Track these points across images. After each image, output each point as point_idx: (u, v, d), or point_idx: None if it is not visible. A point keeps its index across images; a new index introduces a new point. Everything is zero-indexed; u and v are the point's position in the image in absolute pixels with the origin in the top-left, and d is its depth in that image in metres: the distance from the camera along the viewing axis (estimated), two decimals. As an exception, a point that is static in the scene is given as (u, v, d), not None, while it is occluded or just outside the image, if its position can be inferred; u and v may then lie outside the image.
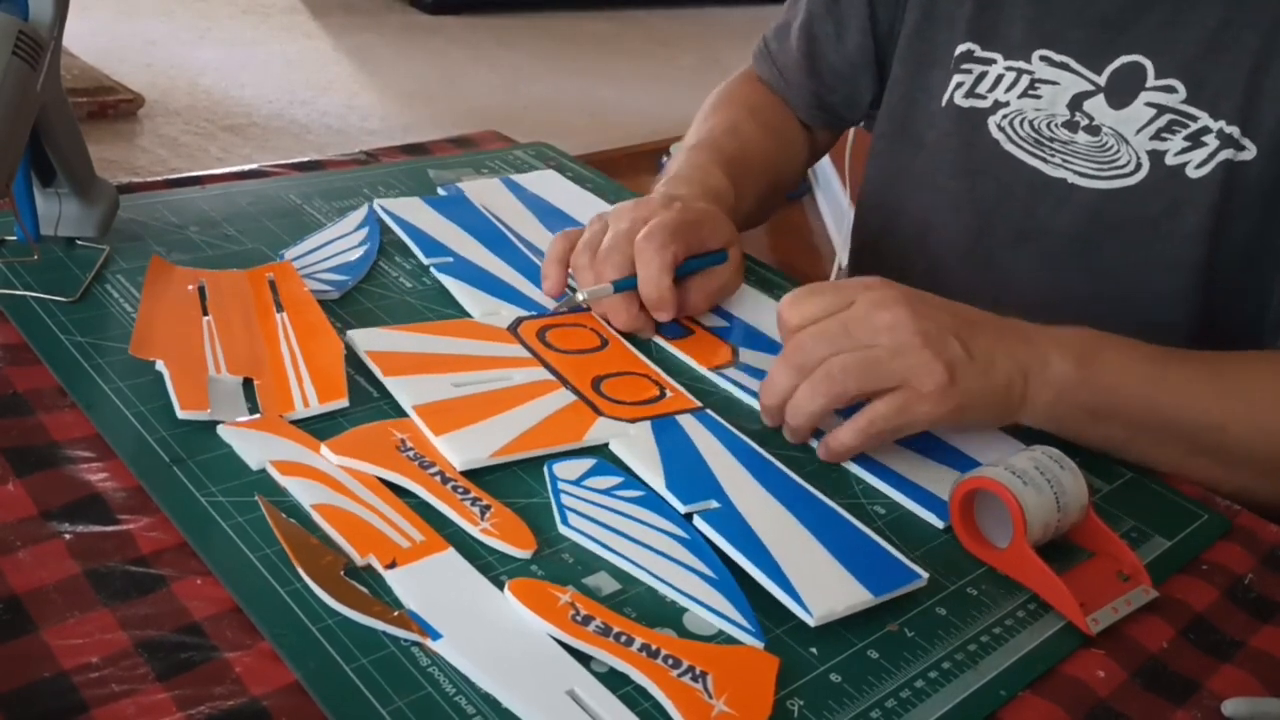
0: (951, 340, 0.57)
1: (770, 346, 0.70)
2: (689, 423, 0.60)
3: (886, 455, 0.60)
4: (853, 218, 0.95)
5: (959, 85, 0.81)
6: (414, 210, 0.79)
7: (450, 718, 0.40)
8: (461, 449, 0.54)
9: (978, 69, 0.80)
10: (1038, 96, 0.78)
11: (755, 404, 0.63)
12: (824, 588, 0.48)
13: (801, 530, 0.52)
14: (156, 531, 0.47)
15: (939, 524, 0.55)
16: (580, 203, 0.87)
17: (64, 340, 0.59)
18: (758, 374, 0.66)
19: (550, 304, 0.70)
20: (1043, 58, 0.77)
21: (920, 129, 0.84)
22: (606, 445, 0.57)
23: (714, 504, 0.53)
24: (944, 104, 0.82)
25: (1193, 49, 0.71)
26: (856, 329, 0.57)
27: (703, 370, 0.66)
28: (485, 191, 0.86)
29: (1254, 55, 0.69)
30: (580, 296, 0.67)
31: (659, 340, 0.68)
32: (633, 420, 0.59)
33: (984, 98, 0.80)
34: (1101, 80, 0.75)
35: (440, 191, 0.85)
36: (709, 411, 0.61)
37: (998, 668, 0.47)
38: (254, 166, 0.85)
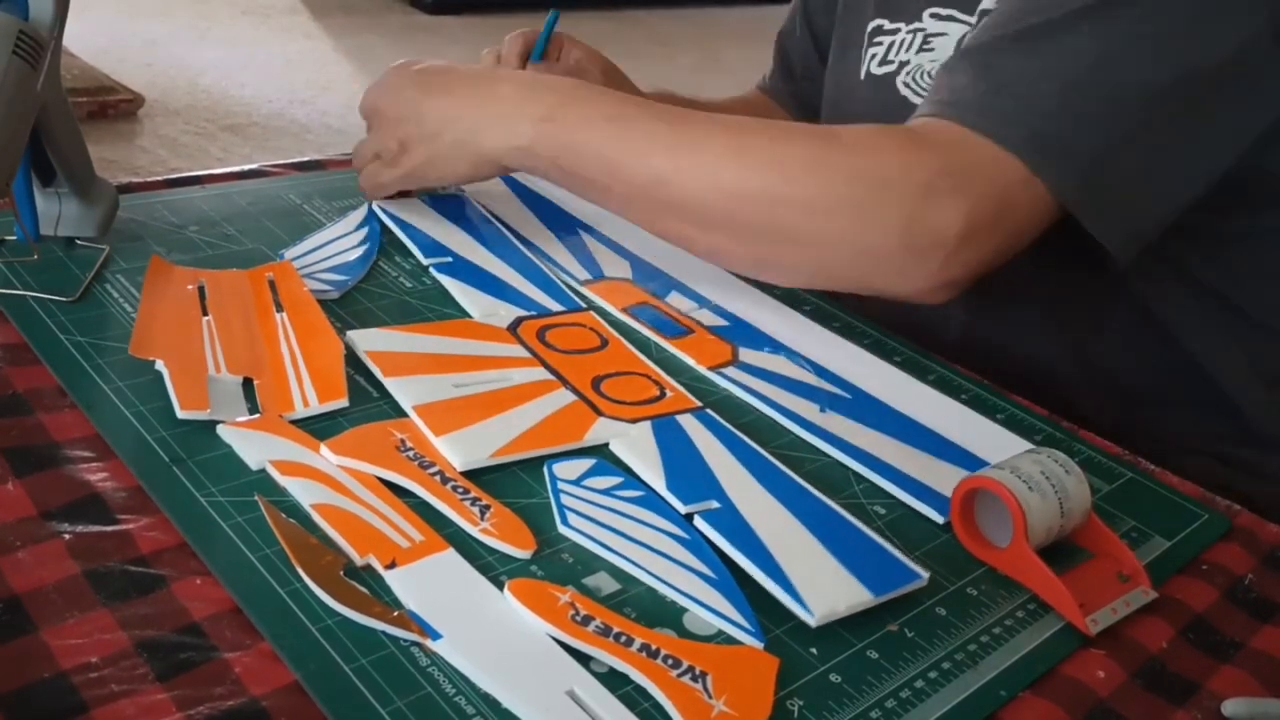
0: (408, 123, 0.74)
1: (772, 346, 0.70)
2: (689, 423, 0.60)
3: (887, 451, 0.60)
4: None
5: (873, 57, 0.88)
6: (413, 210, 0.79)
7: (450, 718, 0.40)
8: (462, 449, 0.54)
9: (887, 40, 0.87)
10: (931, 49, 0.83)
11: (756, 403, 0.63)
12: (824, 588, 0.48)
13: (802, 530, 0.52)
14: (156, 531, 0.47)
15: (939, 519, 0.55)
16: (582, 201, 0.87)
17: (64, 340, 0.59)
18: (758, 373, 0.66)
19: (554, 306, 0.70)
20: (932, 14, 0.83)
21: (846, 104, 0.92)
22: (607, 445, 0.57)
23: (714, 504, 0.53)
24: (863, 77, 0.88)
25: None
26: (365, 109, 0.78)
27: (702, 370, 0.66)
28: (486, 189, 0.86)
29: None
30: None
31: (658, 340, 0.68)
32: (633, 420, 0.59)
33: (891, 62, 0.86)
34: (974, 19, 0.80)
35: (439, 189, 0.85)
36: (709, 411, 0.61)
37: (998, 668, 0.47)
38: (254, 166, 0.85)
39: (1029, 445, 0.60)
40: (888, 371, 0.69)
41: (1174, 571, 0.54)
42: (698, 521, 0.52)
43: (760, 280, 0.75)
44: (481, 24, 3.73)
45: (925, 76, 0.83)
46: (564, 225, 0.83)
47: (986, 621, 0.49)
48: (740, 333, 0.71)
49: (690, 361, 0.67)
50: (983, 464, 0.59)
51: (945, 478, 0.57)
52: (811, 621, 0.47)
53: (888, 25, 0.87)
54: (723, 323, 0.72)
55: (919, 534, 0.54)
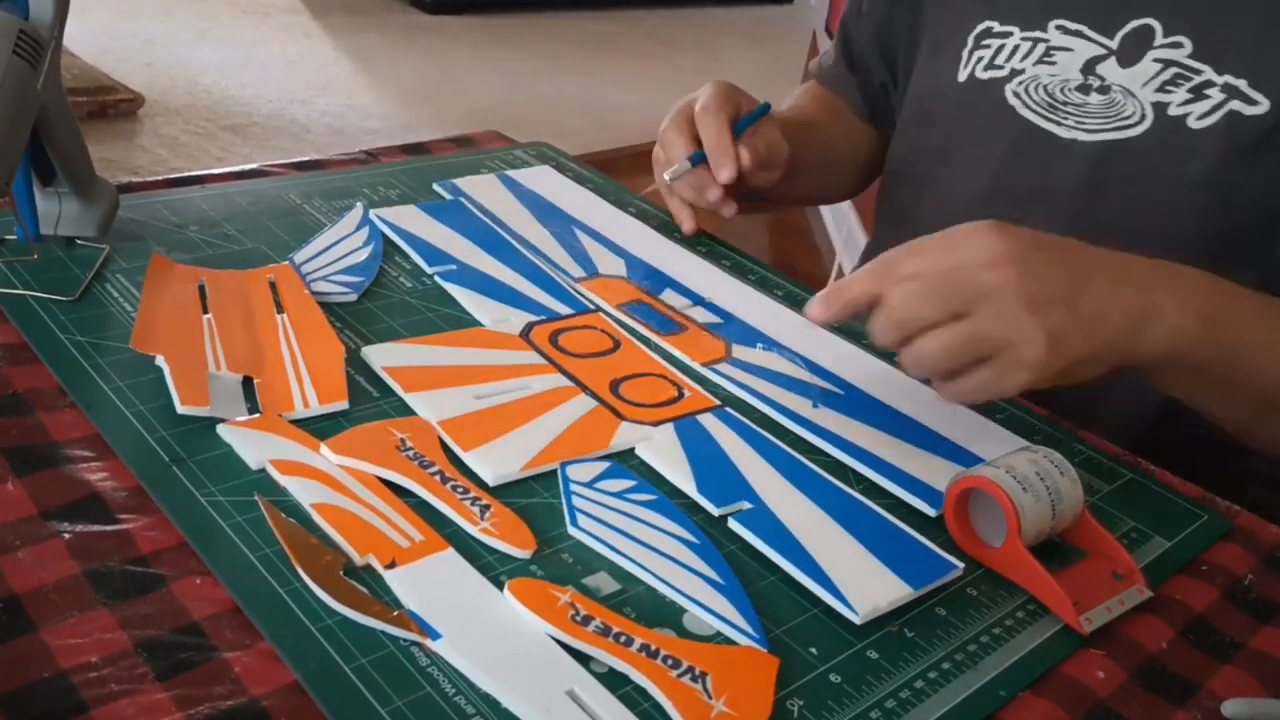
0: (1058, 305, 0.55)
1: (766, 343, 0.70)
2: (710, 422, 0.60)
3: (879, 446, 0.60)
4: (856, 233, 1.00)
5: (979, 60, 0.84)
6: (411, 218, 0.79)
7: (450, 718, 0.40)
8: (492, 464, 0.54)
9: (996, 43, 0.83)
10: (1052, 62, 0.80)
11: (757, 403, 0.63)
12: (865, 584, 0.49)
13: (835, 526, 0.52)
14: (156, 531, 0.47)
15: (931, 512, 0.55)
16: (578, 199, 0.87)
17: (64, 340, 0.59)
18: (750, 369, 0.66)
19: (562, 309, 0.70)
20: (1058, 26, 0.80)
21: (931, 108, 0.88)
22: (632, 450, 0.57)
23: (746, 505, 0.53)
24: (963, 80, 0.84)
25: (1201, 7, 0.74)
26: (963, 286, 0.55)
27: (695, 365, 0.66)
28: (483, 189, 0.86)
29: (1264, 13, 0.71)
30: (666, 176, 0.81)
31: (655, 337, 0.68)
32: (655, 423, 0.59)
33: (1001, 68, 0.82)
34: (1114, 44, 0.77)
35: (436, 188, 0.85)
36: (729, 410, 0.61)
37: (997, 668, 0.47)
38: (254, 166, 0.85)
39: (1024, 443, 0.60)
40: (885, 370, 0.69)
41: (1174, 572, 0.54)
42: (733, 524, 0.52)
43: None
44: (482, 24, 3.73)
45: (1041, 90, 0.80)
46: (559, 223, 0.83)
47: (986, 621, 0.49)
48: (734, 329, 0.71)
49: (684, 357, 0.67)
50: (978, 460, 0.59)
51: (938, 472, 0.57)
52: (857, 619, 0.47)
53: (998, 28, 0.84)
54: (717, 319, 0.72)
55: (918, 532, 0.54)
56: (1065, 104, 0.79)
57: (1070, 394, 0.76)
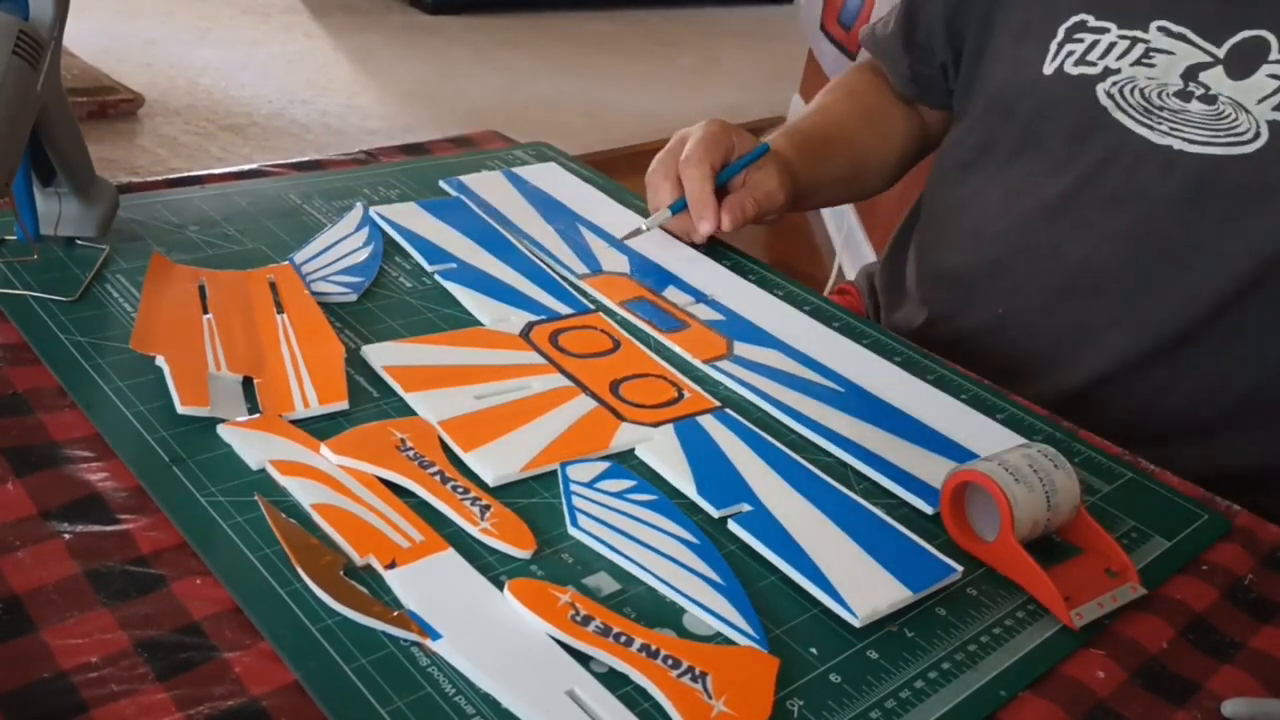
0: None
1: (767, 341, 0.70)
2: (710, 424, 0.60)
3: (879, 445, 0.60)
4: (856, 233, 0.99)
5: (1070, 54, 0.81)
6: (411, 216, 0.79)
7: (450, 718, 0.40)
8: (493, 464, 0.54)
9: (1089, 38, 0.80)
10: (1151, 65, 0.77)
11: (759, 401, 0.63)
12: (864, 587, 0.49)
13: (834, 529, 0.52)
14: (156, 531, 0.47)
15: (929, 510, 0.55)
16: (582, 196, 0.87)
17: (64, 340, 0.59)
18: (752, 366, 0.66)
19: (562, 309, 0.70)
20: (1160, 28, 0.77)
21: (1011, 99, 0.85)
22: (632, 451, 0.57)
23: (746, 507, 0.53)
24: (1050, 73, 0.81)
25: None
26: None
27: (697, 363, 0.66)
28: (489, 186, 0.86)
29: None
30: (644, 225, 0.80)
31: (657, 334, 0.68)
32: (655, 424, 0.59)
33: (1094, 65, 0.80)
34: (1220, 53, 0.74)
35: (442, 185, 0.85)
36: (729, 411, 0.61)
37: (997, 668, 0.47)
38: (254, 166, 0.85)
39: (1024, 440, 0.60)
40: (886, 369, 0.69)
41: (1174, 571, 0.54)
42: (733, 526, 0.52)
43: None
44: (482, 24, 3.73)
45: (1137, 92, 0.77)
46: (563, 220, 0.83)
47: (986, 621, 0.49)
48: (736, 327, 0.71)
49: (685, 354, 0.67)
50: (976, 458, 0.59)
51: (937, 470, 0.57)
52: (857, 622, 0.47)
53: (1094, 22, 0.80)
54: (719, 317, 0.72)
55: (917, 534, 0.54)
56: (1162, 109, 0.76)
57: (1070, 394, 0.76)
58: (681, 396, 0.62)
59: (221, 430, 0.53)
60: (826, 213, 2.54)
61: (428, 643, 0.43)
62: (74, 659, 0.41)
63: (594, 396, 0.61)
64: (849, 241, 2.25)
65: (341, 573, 0.46)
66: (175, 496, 0.49)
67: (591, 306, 0.71)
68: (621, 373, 0.64)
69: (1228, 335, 0.75)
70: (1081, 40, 0.81)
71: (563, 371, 0.63)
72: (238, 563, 0.46)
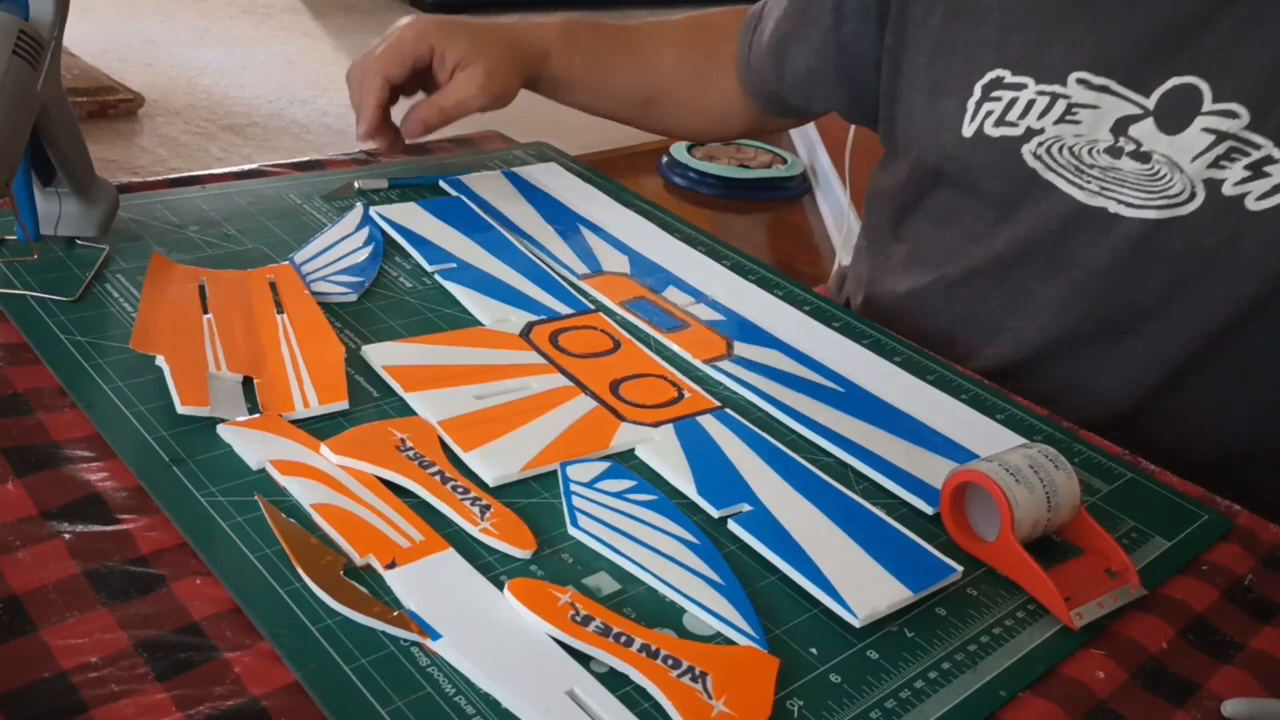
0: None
1: (767, 340, 0.70)
2: (710, 424, 0.60)
3: (879, 444, 0.60)
4: (856, 233, 0.93)
5: (989, 114, 0.76)
6: (412, 216, 0.79)
7: (450, 718, 0.40)
8: (492, 465, 0.54)
9: (1008, 95, 0.75)
10: (1076, 122, 0.72)
11: (759, 401, 0.63)
12: (864, 587, 0.49)
13: (834, 529, 0.52)
14: (156, 531, 0.47)
15: (929, 510, 0.55)
16: (584, 196, 0.87)
17: (64, 340, 0.59)
18: (752, 366, 0.66)
19: (562, 309, 0.70)
20: (1080, 81, 0.72)
21: (935, 160, 0.80)
22: (632, 451, 0.57)
23: (746, 507, 0.53)
24: (971, 134, 0.76)
25: (1258, 71, 0.66)
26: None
27: (697, 362, 0.66)
28: (489, 186, 0.86)
29: None
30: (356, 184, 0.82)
31: (657, 334, 0.68)
32: (655, 424, 0.59)
33: (1015, 125, 0.74)
34: (1150, 103, 0.69)
35: (443, 185, 0.85)
36: (729, 411, 0.61)
37: (997, 668, 0.47)
38: (254, 166, 0.85)
39: (1024, 441, 0.60)
40: (886, 369, 0.69)
41: (1174, 572, 0.54)
42: (733, 526, 0.52)
43: None
44: (481, 24, 3.72)
45: (1066, 151, 0.72)
46: (564, 220, 0.83)
47: (986, 622, 0.49)
48: (736, 327, 0.71)
49: (685, 354, 0.67)
50: (976, 458, 0.59)
51: (938, 470, 0.57)
52: (857, 622, 0.47)
53: (1010, 78, 0.74)
54: (719, 317, 0.72)
55: (918, 534, 0.54)
56: (1093, 167, 0.72)
57: (1073, 398, 0.75)
58: (682, 396, 0.62)
59: (221, 430, 0.53)
60: (826, 213, 2.54)
61: (428, 643, 0.43)
62: (74, 659, 0.40)
63: (594, 396, 0.61)
64: (848, 242, 2.25)
65: (341, 573, 0.46)
66: (175, 496, 0.49)
67: (591, 306, 0.71)
68: (622, 373, 0.64)
69: (1181, 406, 0.73)
70: (999, 98, 0.75)
71: (563, 371, 0.63)
72: (238, 563, 0.46)
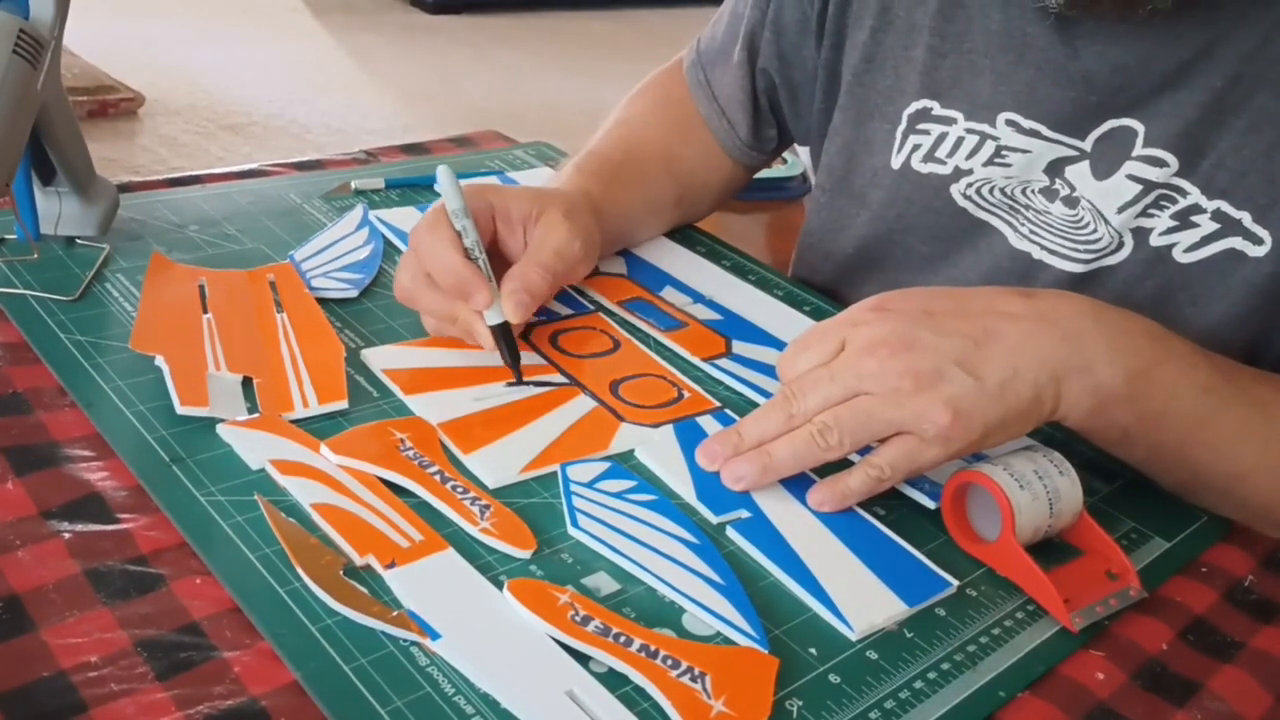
0: (954, 372, 0.51)
1: (763, 338, 0.70)
2: (710, 425, 0.60)
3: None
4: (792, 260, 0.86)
5: (916, 147, 0.72)
6: (411, 221, 0.79)
7: (449, 718, 0.40)
8: (492, 467, 0.54)
9: (936, 129, 0.71)
10: (1006, 164, 0.68)
11: (756, 397, 0.63)
12: (861, 600, 0.49)
13: (832, 539, 0.52)
14: (156, 531, 0.47)
15: (930, 505, 0.55)
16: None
17: (64, 339, 0.59)
18: (751, 364, 0.66)
19: (562, 309, 0.70)
20: (1009, 122, 0.67)
21: (862, 186, 0.76)
22: (632, 452, 0.57)
23: (745, 513, 0.53)
24: (898, 167, 0.73)
25: (1188, 117, 0.62)
26: (843, 374, 0.53)
27: (696, 361, 0.66)
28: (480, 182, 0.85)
29: (1276, 130, 0.60)
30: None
31: (655, 333, 0.68)
32: (655, 425, 0.59)
33: (944, 163, 0.71)
34: (1086, 146, 0.66)
35: (437, 189, 0.85)
36: (728, 412, 0.61)
37: (997, 669, 0.47)
38: (254, 166, 0.85)
39: (1027, 442, 0.60)
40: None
41: (1173, 573, 0.54)
42: (731, 533, 0.52)
43: None
44: (482, 24, 3.73)
45: (997, 191, 0.69)
46: None
47: (986, 622, 0.49)
48: (734, 327, 0.71)
49: (684, 353, 0.67)
50: (979, 457, 0.59)
51: (939, 469, 0.57)
52: (853, 636, 0.47)
53: (938, 109, 0.70)
54: (717, 317, 0.72)
55: (918, 534, 0.54)
56: (1027, 208, 0.68)
57: None
58: (681, 396, 0.62)
59: (221, 430, 0.53)
60: (826, 213, 2.54)
61: (427, 643, 0.43)
62: (74, 658, 0.41)
63: (594, 397, 0.61)
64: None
65: (341, 573, 0.46)
66: (175, 496, 0.49)
67: (591, 307, 0.71)
68: (622, 373, 0.64)
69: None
70: (927, 132, 0.71)
71: (563, 372, 0.63)
72: (237, 562, 0.46)
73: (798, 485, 0.56)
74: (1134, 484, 0.61)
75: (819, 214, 0.81)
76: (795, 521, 0.53)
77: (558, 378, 0.62)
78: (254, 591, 0.45)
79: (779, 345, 0.69)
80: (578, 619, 0.45)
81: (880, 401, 0.52)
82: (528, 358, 0.63)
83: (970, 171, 0.70)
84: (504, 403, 0.59)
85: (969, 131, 0.69)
